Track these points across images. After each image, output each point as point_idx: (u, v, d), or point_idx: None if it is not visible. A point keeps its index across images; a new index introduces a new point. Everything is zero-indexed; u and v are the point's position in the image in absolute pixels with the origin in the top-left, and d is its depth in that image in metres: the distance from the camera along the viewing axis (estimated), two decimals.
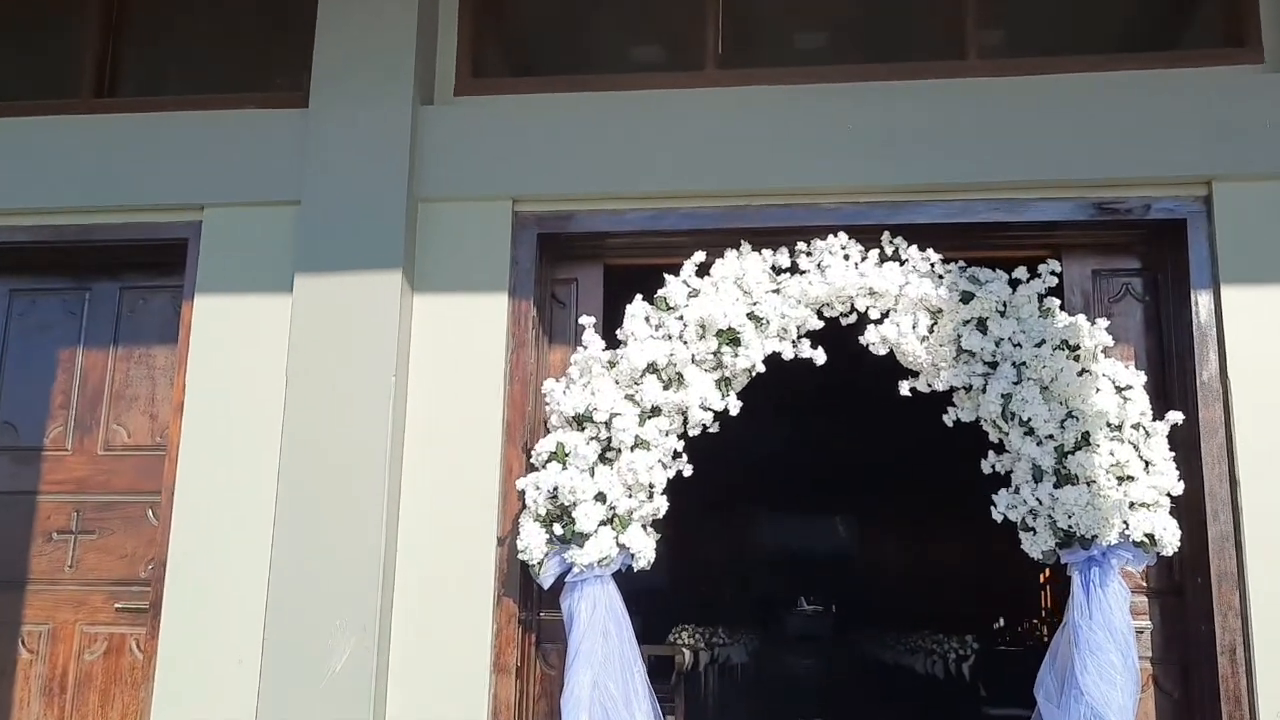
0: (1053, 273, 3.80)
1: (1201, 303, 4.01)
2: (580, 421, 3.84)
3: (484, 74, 4.65)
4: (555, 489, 3.77)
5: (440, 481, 4.12)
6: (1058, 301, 3.83)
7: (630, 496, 3.81)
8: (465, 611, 4.02)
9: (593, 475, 3.77)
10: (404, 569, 4.07)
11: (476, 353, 4.22)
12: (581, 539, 3.73)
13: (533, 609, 4.16)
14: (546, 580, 3.83)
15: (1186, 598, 3.98)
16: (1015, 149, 4.11)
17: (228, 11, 5.15)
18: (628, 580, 3.91)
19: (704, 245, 4.14)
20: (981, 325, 3.73)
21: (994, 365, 3.72)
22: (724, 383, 3.90)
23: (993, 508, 3.68)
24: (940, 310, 3.82)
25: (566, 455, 3.78)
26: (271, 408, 4.16)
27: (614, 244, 4.48)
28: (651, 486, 3.80)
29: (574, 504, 3.75)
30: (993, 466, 3.80)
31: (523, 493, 3.88)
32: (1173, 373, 4.08)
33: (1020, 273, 3.82)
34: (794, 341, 3.95)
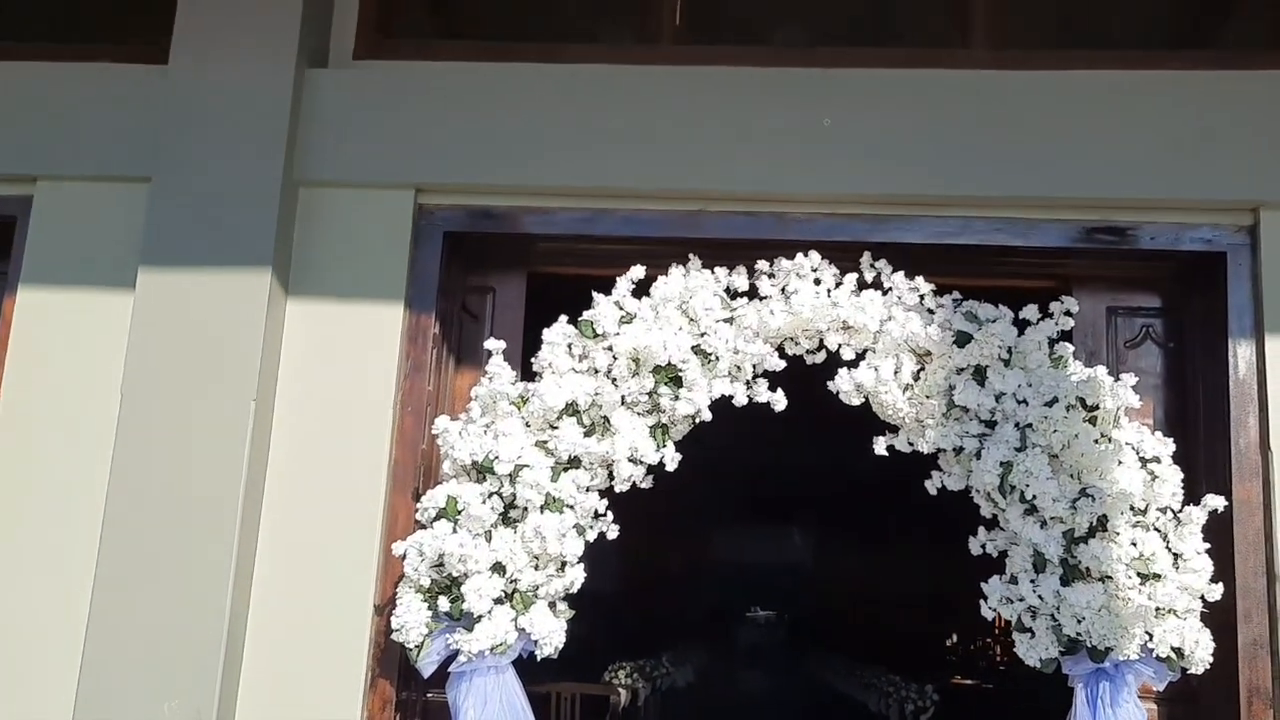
0: (1067, 312, 3.09)
1: (1240, 354, 3.32)
2: (479, 472, 3.09)
3: (394, 34, 3.86)
4: (442, 556, 3.01)
5: (306, 534, 3.35)
6: (1070, 348, 3.12)
7: (537, 569, 3.06)
8: (329, 694, 3.27)
9: (489, 540, 3.01)
10: (255, 642, 3.30)
11: (361, 375, 3.45)
12: (471, 620, 2.98)
13: (417, 689, 3.40)
14: (426, 668, 3.08)
15: (1202, 706, 3.31)
16: (1024, 158, 3.40)
17: None
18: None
19: (647, 257, 3.39)
20: (979, 375, 3.02)
21: (992, 425, 3.01)
22: (660, 430, 3.15)
23: (983, 602, 2.97)
24: (929, 353, 3.10)
25: (458, 513, 3.03)
26: (102, 433, 3.36)
27: (540, 249, 3.74)
28: (564, 558, 3.06)
29: (464, 575, 3.00)
30: (982, 547, 3.09)
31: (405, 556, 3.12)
32: (1199, 438, 3.39)
33: (1028, 312, 3.10)
34: (748, 382, 3.22)
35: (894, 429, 3.17)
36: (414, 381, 3.48)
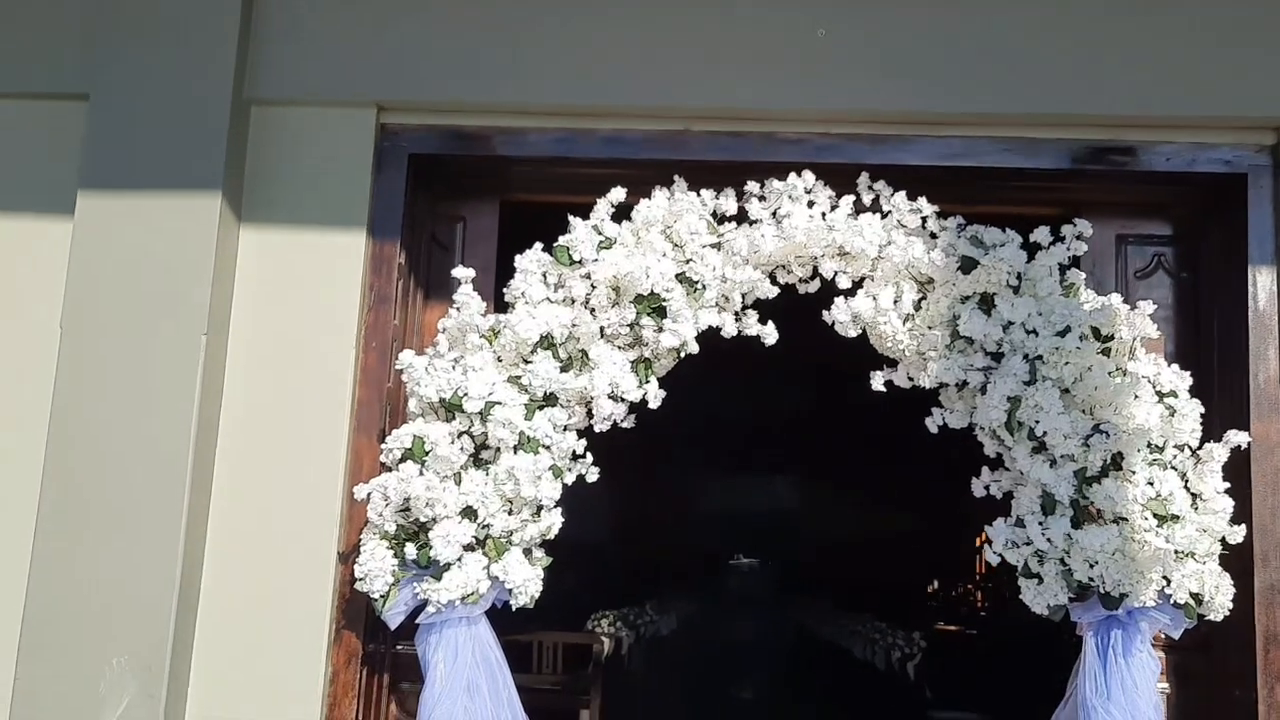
0: (1079, 236, 2.87)
1: (1260, 283, 3.12)
2: (448, 410, 2.86)
3: None
4: (408, 500, 2.80)
5: (265, 478, 3.13)
6: (1082, 276, 2.91)
7: (511, 513, 2.85)
8: (290, 648, 3.06)
9: (459, 483, 2.80)
10: (210, 593, 3.09)
11: (322, 309, 3.21)
12: (440, 569, 2.77)
13: (385, 640, 3.21)
14: (393, 619, 2.88)
15: (1215, 655, 3.15)
16: (1031, 73, 3.16)
17: None
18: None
19: (629, 182, 3.13)
20: (986, 304, 2.80)
21: (999, 358, 2.79)
22: (642, 365, 2.93)
23: (987, 546, 2.78)
24: (931, 281, 2.88)
25: (426, 454, 2.81)
26: (40, 371, 3.12)
27: (514, 174, 3.50)
28: (540, 501, 2.84)
29: (432, 521, 2.79)
30: (986, 489, 2.89)
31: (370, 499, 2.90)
32: (1214, 373, 3.19)
33: (1040, 235, 2.87)
34: (738, 313, 3.00)
35: (893, 363, 2.96)
36: (378, 315, 3.24)
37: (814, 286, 3.01)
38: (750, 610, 15.48)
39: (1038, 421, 2.68)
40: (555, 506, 2.90)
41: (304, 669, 3.05)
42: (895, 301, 2.85)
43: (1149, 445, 2.65)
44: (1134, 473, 2.65)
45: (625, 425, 2.98)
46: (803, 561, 16.21)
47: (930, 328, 2.83)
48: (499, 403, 2.80)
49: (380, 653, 3.23)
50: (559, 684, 6.62)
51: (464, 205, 3.53)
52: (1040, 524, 2.69)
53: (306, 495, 3.12)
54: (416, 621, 2.87)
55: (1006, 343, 2.76)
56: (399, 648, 3.24)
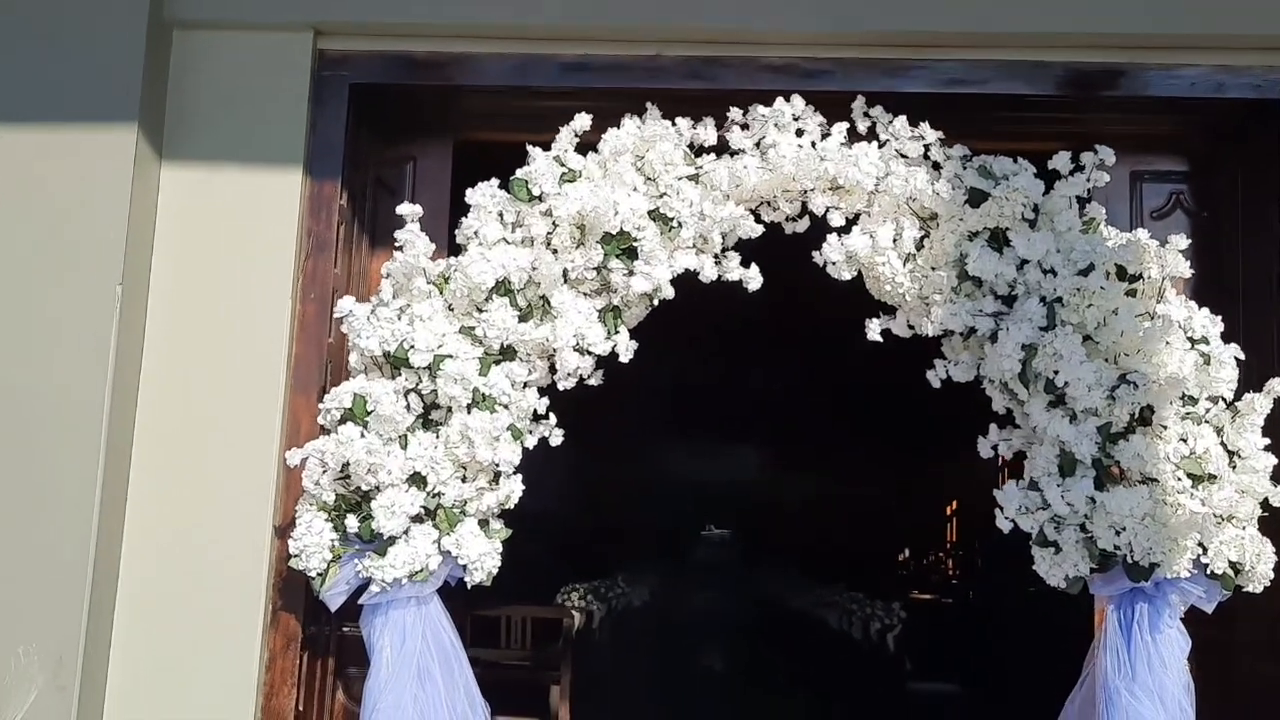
0: (1101, 164, 2.56)
1: None
2: (393, 364, 2.54)
3: None
4: (347, 465, 2.47)
5: (190, 445, 2.81)
6: (1102, 209, 2.61)
7: (464, 480, 2.53)
8: (221, 633, 2.75)
9: (405, 447, 2.48)
10: (130, 573, 2.77)
11: (253, 256, 2.88)
12: (384, 543, 2.45)
13: (328, 621, 2.89)
14: (333, 600, 2.56)
15: (1241, 627, 2.88)
16: None
17: None
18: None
19: (595, 115, 2.80)
20: (997, 241, 2.50)
21: (1011, 302, 2.49)
22: (611, 314, 2.61)
23: (998, 512, 2.49)
24: (934, 217, 2.57)
25: (367, 415, 2.48)
26: None
27: (468, 108, 3.17)
28: (498, 466, 2.53)
29: (375, 489, 2.47)
30: (994, 448, 2.60)
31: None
32: (1239, 320, 2.90)
33: (1059, 161, 2.57)
34: (718, 256, 2.68)
35: (891, 310, 2.65)
36: (317, 263, 2.91)
37: (803, 225, 2.70)
38: (722, 581, 15.34)
39: (1056, 371, 2.38)
40: (515, 473, 2.59)
41: (237, 655, 2.74)
42: (895, 239, 2.54)
43: (1182, 397, 2.37)
44: (1165, 428, 2.36)
45: (592, 382, 2.67)
46: (773, 531, 16.14)
47: (934, 269, 2.52)
48: (449, 356, 2.48)
49: (324, 635, 2.92)
50: (528, 659, 6.39)
51: (413, 144, 3.19)
52: (1059, 486, 2.40)
53: (238, 463, 2.79)
54: (360, 602, 2.56)
55: (1021, 284, 2.46)
56: (345, 630, 2.93)
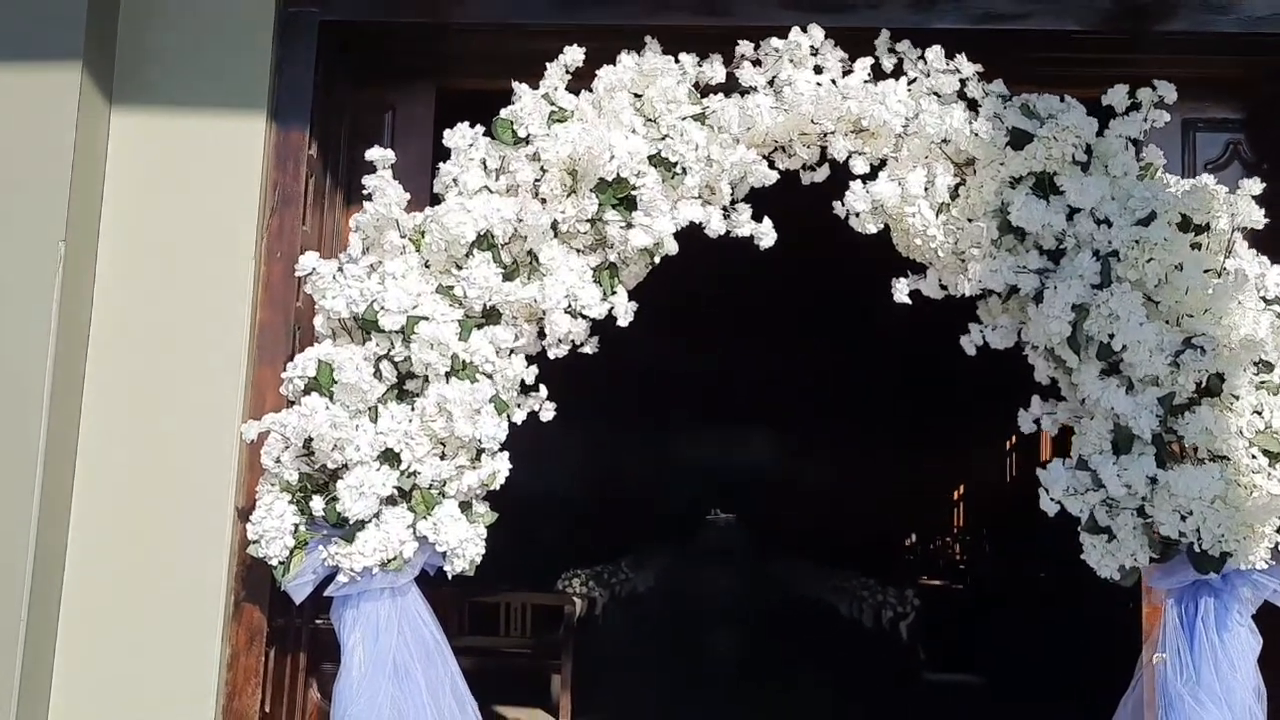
0: (1160, 102, 2.27)
1: None
2: (363, 328, 2.26)
3: None
4: (311, 441, 2.20)
5: (143, 419, 2.54)
6: (1160, 152, 2.32)
7: (443, 458, 2.26)
8: (177, 628, 2.49)
9: (375, 420, 2.20)
10: (77, 561, 2.51)
11: (214, 211, 2.62)
12: (352, 528, 2.18)
13: (298, 614, 2.63)
14: (297, 591, 2.29)
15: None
16: None
17: None
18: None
19: (591, 55, 2.51)
20: (1042, 187, 2.21)
21: (1058, 257, 2.21)
22: (608, 271, 2.33)
23: (1043, 493, 2.21)
24: (972, 162, 2.28)
25: (333, 384, 2.21)
26: None
27: (454, 49, 2.90)
28: (480, 442, 2.25)
29: (343, 468, 2.20)
30: (1036, 422, 2.31)
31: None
32: None
33: (1114, 97, 2.28)
34: (727, 208, 2.39)
35: (920, 269, 2.37)
36: (284, 219, 2.63)
37: (822, 174, 2.41)
38: (727, 566, 15.12)
39: (1112, 335, 2.10)
40: (500, 450, 2.31)
41: (194, 651, 2.48)
42: (926, 188, 2.25)
43: (1256, 364, 2.08)
44: (1236, 398, 2.08)
45: (587, 350, 2.39)
46: (780, 516, 15.96)
47: (970, 220, 2.23)
48: (424, 318, 2.20)
49: (294, 628, 2.66)
50: (528, 647, 6.17)
51: (393, 90, 2.91)
52: (1113, 465, 2.12)
53: (196, 441, 2.53)
54: (327, 594, 2.29)
55: (1071, 236, 2.17)
56: (320, 622, 2.66)
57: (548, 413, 2.42)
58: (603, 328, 2.38)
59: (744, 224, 2.39)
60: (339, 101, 2.82)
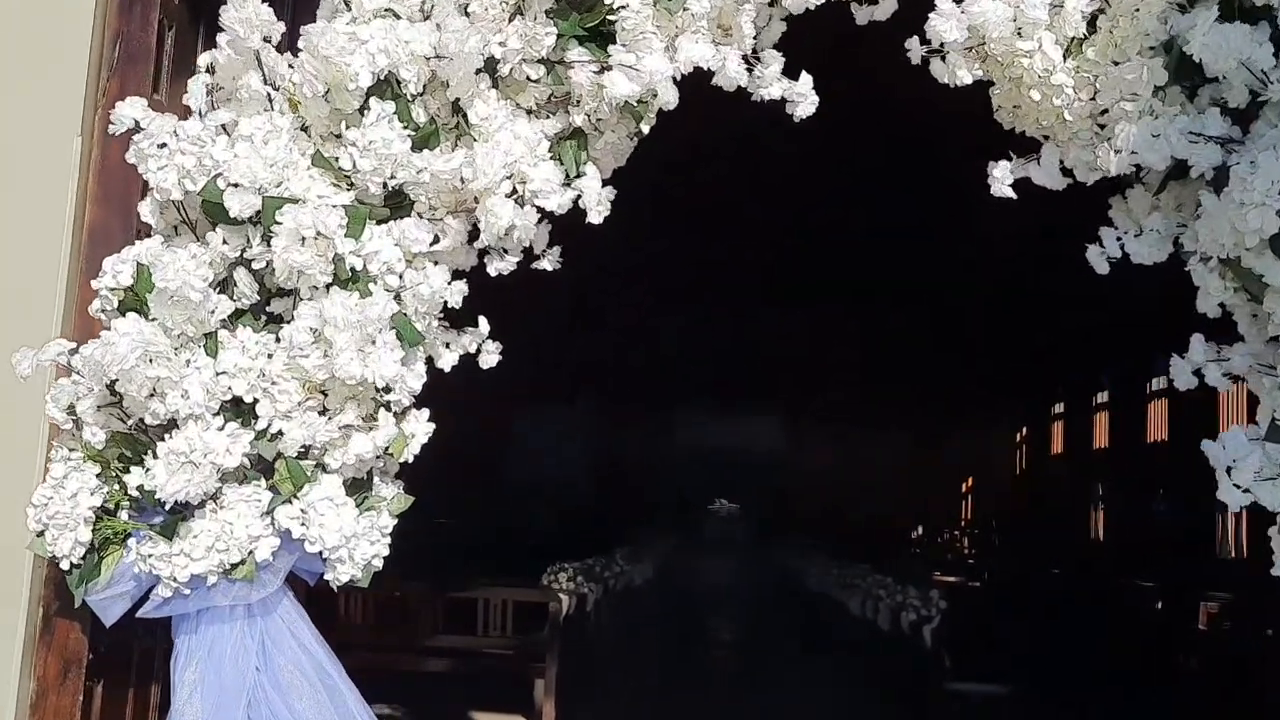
0: None
1: None
2: (210, 216, 1.52)
3: None
4: (116, 385, 1.45)
5: None
6: None
7: (323, 413, 1.51)
8: None
9: (214, 354, 1.46)
10: None
11: (29, 70, 1.86)
12: (173, 517, 1.44)
13: (149, 634, 1.87)
14: (105, 609, 1.56)
15: None
16: None
17: None
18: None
19: None
20: (1231, 8, 1.45)
21: (1250, 118, 1.45)
22: (572, 141, 1.58)
23: (1221, 479, 1.46)
24: None
25: (152, 295, 1.46)
26: None
27: None
28: (385, 391, 1.51)
29: (171, 425, 1.45)
30: (1197, 373, 1.56)
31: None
32: None
33: None
34: (747, 58, 1.64)
35: (1032, 144, 1.61)
36: (126, 82, 1.89)
37: (886, 9, 1.65)
38: (729, 558, 14.55)
39: None
40: (413, 405, 1.57)
41: None
42: (1050, 12, 1.50)
43: None
44: None
45: (545, 265, 1.65)
46: (783, 506, 15.55)
47: (1115, 63, 1.48)
48: (293, 199, 1.45)
49: (132, 653, 1.91)
50: (510, 648, 5.58)
51: None
52: None
53: None
54: (140, 615, 1.55)
55: (1276, 84, 1.42)
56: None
57: (490, 357, 1.68)
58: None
59: (770, 83, 1.63)
60: None
